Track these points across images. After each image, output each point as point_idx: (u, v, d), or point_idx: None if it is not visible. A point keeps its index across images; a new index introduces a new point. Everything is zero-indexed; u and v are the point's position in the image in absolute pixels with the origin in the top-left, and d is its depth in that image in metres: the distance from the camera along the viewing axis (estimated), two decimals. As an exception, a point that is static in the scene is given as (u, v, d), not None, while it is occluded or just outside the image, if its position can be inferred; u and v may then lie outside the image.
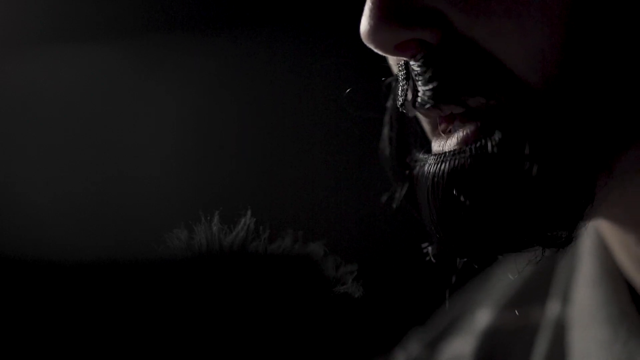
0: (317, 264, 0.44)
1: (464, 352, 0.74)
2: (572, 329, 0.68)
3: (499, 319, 0.74)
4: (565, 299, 0.70)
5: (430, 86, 0.55)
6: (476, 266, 0.58)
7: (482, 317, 0.75)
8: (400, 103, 0.58)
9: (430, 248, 0.59)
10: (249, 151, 1.51)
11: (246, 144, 1.51)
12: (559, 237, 0.55)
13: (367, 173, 1.40)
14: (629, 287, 0.65)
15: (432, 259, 0.59)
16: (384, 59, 0.61)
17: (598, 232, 0.67)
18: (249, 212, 0.50)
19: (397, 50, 0.56)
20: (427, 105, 0.56)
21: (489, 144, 0.54)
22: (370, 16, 0.55)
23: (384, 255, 1.41)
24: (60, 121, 1.49)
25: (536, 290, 0.73)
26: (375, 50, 0.57)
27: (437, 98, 0.55)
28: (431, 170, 0.57)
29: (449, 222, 0.56)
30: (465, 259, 0.57)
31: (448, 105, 0.56)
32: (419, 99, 0.56)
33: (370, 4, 0.55)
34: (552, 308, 0.71)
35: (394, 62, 0.61)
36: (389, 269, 1.35)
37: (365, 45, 0.57)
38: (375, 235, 1.44)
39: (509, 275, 0.77)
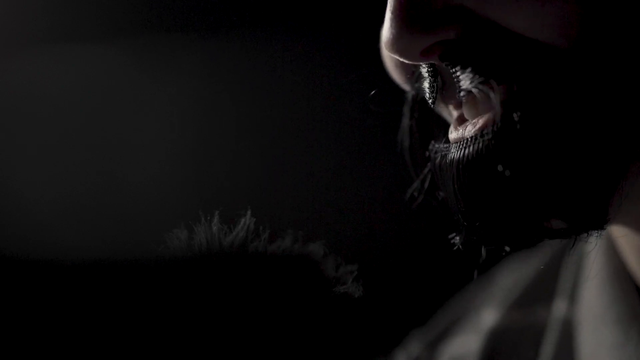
0: (317, 264, 0.44)
1: (469, 351, 0.74)
2: (579, 328, 0.67)
3: (506, 318, 0.74)
4: (572, 298, 0.70)
5: (469, 70, 0.54)
6: (503, 254, 0.56)
7: (489, 317, 0.75)
8: (431, 100, 0.57)
9: (457, 238, 0.58)
10: (249, 151, 1.51)
11: (246, 143, 1.51)
12: (589, 222, 0.54)
13: (368, 173, 1.41)
14: (637, 289, 0.65)
15: (460, 248, 0.57)
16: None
17: (607, 233, 0.66)
18: (249, 212, 0.50)
19: (423, 56, 0.56)
20: (471, 88, 0.54)
21: (513, 118, 0.53)
22: (392, 25, 0.54)
23: (384, 256, 1.40)
24: (60, 121, 1.49)
25: (542, 289, 0.73)
26: (400, 59, 0.56)
27: (483, 74, 0.54)
28: (455, 157, 0.55)
29: (477, 208, 0.55)
30: (492, 247, 0.56)
31: (490, 80, 0.54)
32: (461, 85, 0.55)
33: (391, 13, 0.54)
34: (559, 307, 0.70)
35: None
36: (389, 269, 1.35)
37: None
38: (376, 235, 1.44)
39: (514, 274, 0.77)
